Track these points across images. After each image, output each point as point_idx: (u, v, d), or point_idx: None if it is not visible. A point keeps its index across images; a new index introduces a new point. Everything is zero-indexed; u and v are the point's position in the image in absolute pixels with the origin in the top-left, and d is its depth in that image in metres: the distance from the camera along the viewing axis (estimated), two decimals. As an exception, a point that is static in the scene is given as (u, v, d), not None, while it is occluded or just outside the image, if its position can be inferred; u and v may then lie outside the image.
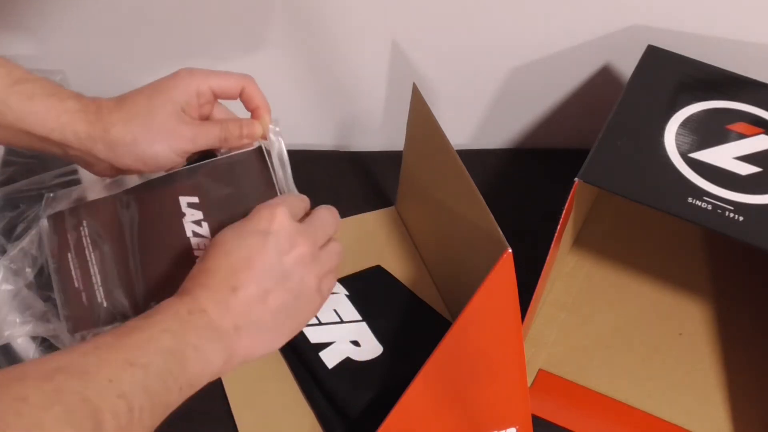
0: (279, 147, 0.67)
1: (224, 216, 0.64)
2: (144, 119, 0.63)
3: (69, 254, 0.68)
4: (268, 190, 0.64)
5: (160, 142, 0.63)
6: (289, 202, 0.59)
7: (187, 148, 0.64)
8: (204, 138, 0.64)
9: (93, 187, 0.74)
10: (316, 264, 0.58)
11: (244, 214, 0.59)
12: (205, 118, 0.67)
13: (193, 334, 0.52)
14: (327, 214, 0.61)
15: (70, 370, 0.47)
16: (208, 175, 0.65)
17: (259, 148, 0.66)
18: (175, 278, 0.58)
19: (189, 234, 0.65)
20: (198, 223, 0.65)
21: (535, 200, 0.88)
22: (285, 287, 0.56)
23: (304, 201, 0.61)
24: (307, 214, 0.61)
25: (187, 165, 0.67)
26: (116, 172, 0.65)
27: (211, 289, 0.54)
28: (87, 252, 0.68)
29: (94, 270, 0.67)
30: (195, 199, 0.65)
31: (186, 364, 0.51)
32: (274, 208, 0.57)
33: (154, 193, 0.67)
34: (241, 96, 0.67)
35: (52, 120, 0.61)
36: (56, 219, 0.69)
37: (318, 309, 0.59)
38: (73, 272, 0.68)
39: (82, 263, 0.67)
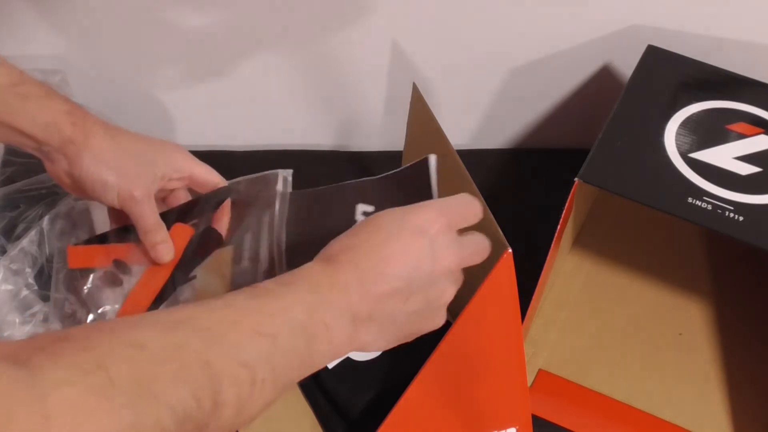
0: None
1: None
2: (122, 148, 0.65)
3: None
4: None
5: (115, 176, 0.64)
6: (456, 210, 0.55)
7: (126, 200, 0.65)
8: (141, 211, 0.66)
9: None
10: (456, 282, 0.54)
11: None
12: (167, 193, 0.70)
13: (327, 312, 0.48)
14: (486, 244, 0.56)
15: (192, 325, 0.43)
16: (384, 186, 0.65)
17: (426, 160, 0.64)
18: None
19: None
20: None
21: (535, 200, 0.88)
22: (425, 294, 0.52)
23: (471, 210, 0.56)
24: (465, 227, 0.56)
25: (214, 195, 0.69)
26: (68, 179, 0.66)
27: (359, 269, 0.50)
28: None
29: None
30: (371, 208, 0.65)
31: (313, 341, 0.48)
32: (439, 212, 0.53)
33: (328, 201, 0.68)
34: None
35: (41, 118, 0.63)
36: None
37: (438, 326, 0.55)
38: None
39: None
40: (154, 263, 0.67)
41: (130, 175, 0.65)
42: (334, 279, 0.49)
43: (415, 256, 0.51)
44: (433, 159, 0.64)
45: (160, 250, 0.66)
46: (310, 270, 0.50)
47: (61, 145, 0.63)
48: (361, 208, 0.66)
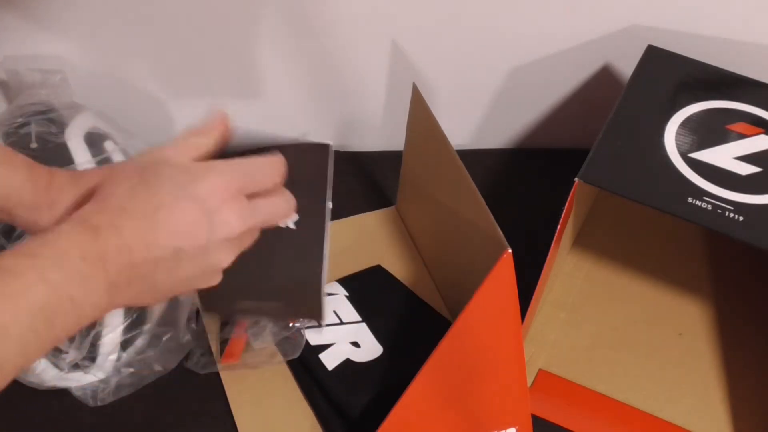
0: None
1: None
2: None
3: None
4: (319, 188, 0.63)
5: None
6: (244, 177, 0.53)
7: None
8: None
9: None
10: (239, 247, 0.53)
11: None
12: None
13: (75, 286, 0.45)
14: (286, 205, 0.56)
15: None
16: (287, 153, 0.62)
17: (327, 146, 0.64)
18: None
19: None
20: None
21: (535, 200, 0.88)
22: (197, 263, 0.50)
23: (266, 173, 0.54)
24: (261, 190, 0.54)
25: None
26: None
27: (122, 238, 0.47)
28: None
29: None
30: None
31: (55, 320, 0.44)
32: (227, 182, 0.51)
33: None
34: None
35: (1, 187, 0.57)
36: None
37: (210, 285, 0.54)
38: None
39: None
40: None
41: None
42: (88, 249, 0.46)
43: (188, 229, 0.49)
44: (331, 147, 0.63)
45: None
46: (64, 237, 0.46)
47: (27, 213, 0.57)
48: None
